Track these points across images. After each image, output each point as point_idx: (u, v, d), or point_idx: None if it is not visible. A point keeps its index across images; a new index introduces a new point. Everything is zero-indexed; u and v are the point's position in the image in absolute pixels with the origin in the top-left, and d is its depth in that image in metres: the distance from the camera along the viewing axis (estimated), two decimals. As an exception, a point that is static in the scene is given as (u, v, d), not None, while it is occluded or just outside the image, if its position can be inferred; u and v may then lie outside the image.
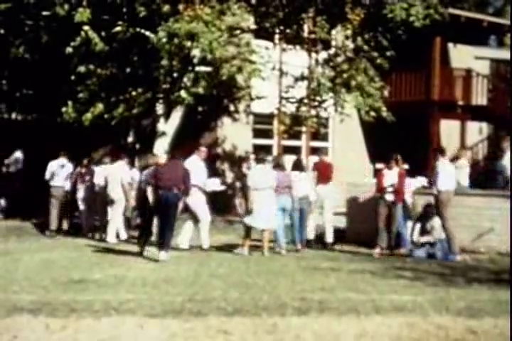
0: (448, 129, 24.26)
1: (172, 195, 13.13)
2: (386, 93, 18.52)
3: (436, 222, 14.09)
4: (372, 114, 17.66)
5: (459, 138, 24.52)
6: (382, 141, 23.10)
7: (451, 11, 22.31)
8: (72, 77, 16.62)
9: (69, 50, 15.87)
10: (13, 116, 20.51)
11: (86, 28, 15.74)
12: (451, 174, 14.42)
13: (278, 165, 14.78)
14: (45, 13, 16.64)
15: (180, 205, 13.71)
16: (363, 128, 23.87)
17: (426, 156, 22.61)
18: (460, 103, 24.03)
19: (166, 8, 15.88)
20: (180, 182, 13.32)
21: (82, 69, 16.25)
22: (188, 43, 15.22)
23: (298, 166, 15.47)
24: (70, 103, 16.47)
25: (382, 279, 11.05)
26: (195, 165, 14.51)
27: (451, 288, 10.22)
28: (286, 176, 14.66)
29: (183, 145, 17.83)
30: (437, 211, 14.16)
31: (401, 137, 22.32)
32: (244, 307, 8.69)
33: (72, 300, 9.03)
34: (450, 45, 25.18)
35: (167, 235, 13.06)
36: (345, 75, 17.71)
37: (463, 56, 25.40)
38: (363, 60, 17.62)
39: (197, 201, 14.49)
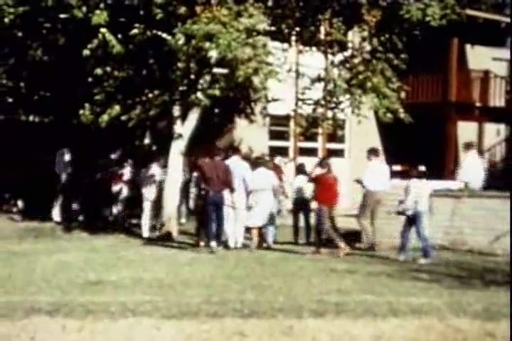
0: (465, 131, 24.16)
1: (221, 195, 14.76)
2: (403, 94, 18.44)
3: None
4: (389, 115, 17.59)
5: (477, 140, 24.40)
6: (399, 143, 23.05)
7: (469, 12, 22.22)
8: (89, 79, 16.66)
9: (86, 52, 15.92)
10: (31, 118, 20.58)
11: (103, 30, 15.78)
12: (382, 174, 15.11)
13: (258, 165, 15.77)
14: (62, 15, 16.71)
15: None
16: (380, 130, 23.81)
17: (443, 158, 22.58)
18: (477, 104, 23.93)
19: (183, 10, 15.90)
20: (228, 183, 14.91)
21: (99, 71, 16.29)
22: (206, 44, 15.24)
23: (301, 171, 16.61)
24: (86, 105, 16.51)
25: (398, 281, 11.01)
26: (239, 164, 15.60)
27: (469, 291, 10.17)
28: (267, 176, 15.50)
29: (199, 147, 17.86)
30: (360, 208, 15.26)
31: (418, 139, 22.26)
32: (260, 309, 8.69)
33: (88, 301, 9.05)
34: (467, 46, 25.08)
35: (220, 229, 14.82)
36: (360, 77, 17.65)
37: (480, 57, 25.29)
38: (379, 61, 17.56)
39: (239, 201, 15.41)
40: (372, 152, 16.25)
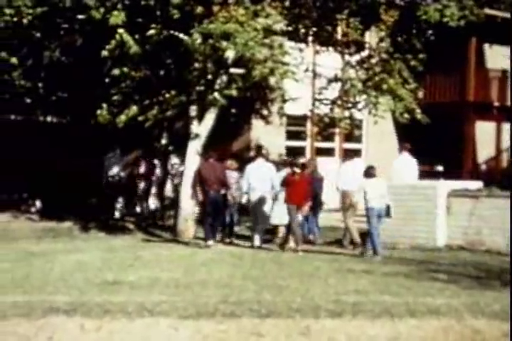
0: (483, 131, 24.05)
1: (219, 194, 15.94)
2: (420, 94, 18.38)
3: None
4: (406, 115, 17.55)
5: (495, 140, 24.31)
6: (417, 143, 22.95)
7: (487, 11, 22.10)
8: (107, 80, 16.73)
9: (104, 53, 15.98)
10: (48, 118, 20.68)
11: (121, 30, 15.83)
12: (354, 174, 15.37)
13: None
14: (80, 16, 16.78)
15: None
16: (397, 130, 23.73)
17: (461, 158, 22.49)
18: (495, 104, 23.81)
19: (200, 9, 15.92)
20: (225, 183, 16.00)
21: (116, 71, 16.33)
22: (223, 44, 15.25)
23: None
24: (104, 105, 16.57)
25: (416, 282, 10.97)
26: (265, 166, 16.36)
27: (487, 291, 10.11)
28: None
29: (216, 147, 17.87)
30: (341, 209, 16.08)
31: (436, 139, 22.19)
32: (277, 310, 8.68)
33: (106, 301, 9.08)
34: (485, 45, 24.95)
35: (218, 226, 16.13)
36: (377, 78, 17.61)
37: (499, 57, 25.15)
38: (397, 62, 17.51)
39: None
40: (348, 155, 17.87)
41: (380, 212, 14.00)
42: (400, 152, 17.36)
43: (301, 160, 16.57)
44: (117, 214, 19.85)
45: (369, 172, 14.34)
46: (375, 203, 13.93)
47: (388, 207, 14.05)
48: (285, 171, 15.84)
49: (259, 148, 19.17)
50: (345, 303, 9.08)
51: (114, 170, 20.35)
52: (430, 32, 17.32)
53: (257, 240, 15.76)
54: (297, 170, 15.17)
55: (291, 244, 15.02)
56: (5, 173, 19.66)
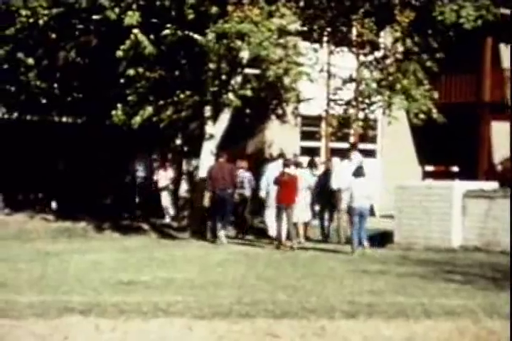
0: (499, 131, 23.91)
1: (227, 193, 16.61)
2: (436, 95, 18.30)
3: None
4: (422, 116, 17.48)
5: (510, 140, 24.15)
6: (432, 143, 22.88)
7: (503, 10, 21.97)
8: (122, 80, 16.77)
9: (119, 53, 16.01)
10: (64, 119, 20.75)
11: (135, 31, 15.86)
12: (347, 174, 15.58)
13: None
14: (95, 17, 16.84)
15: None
16: (412, 130, 23.63)
17: (477, 158, 22.36)
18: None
19: (214, 10, 15.93)
20: (232, 183, 16.72)
21: (131, 72, 16.37)
22: (238, 44, 15.26)
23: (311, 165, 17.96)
24: (119, 106, 16.60)
25: (431, 283, 10.93)
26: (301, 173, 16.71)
27: (502, 292, 10.05)
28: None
29: (230, 148, 17.90)
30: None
31: (451, 139, 22.09)
32: (292, 310, 8.66)
33: (121, 301, 9.09)
34: (501, 45, 24.80)
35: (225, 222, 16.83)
36: (391, 78, 17.57)
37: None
38: (412, 62, 17.45)
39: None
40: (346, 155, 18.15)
41: (363, 211, 14.51)
42: (349, 152, 17.95)
43: (298, 159, 17.74)
44: (138, 213, 20.05)
45: (358, 172, 14.85)
46: (357, 203, 14.47)
47: (371, 207, 14.85)
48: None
49: (281, 155, 19.22)
50: (360, 304, 9.05)
51: (138, 170, 20.57)
52: (448, 33, 17.22)
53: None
54: (287, 170, 15.77)
55: (282, 243, 15.42)
56: (21, 173, 19.76)
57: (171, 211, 19.65)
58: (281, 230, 15.52)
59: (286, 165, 15.97)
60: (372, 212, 14.78)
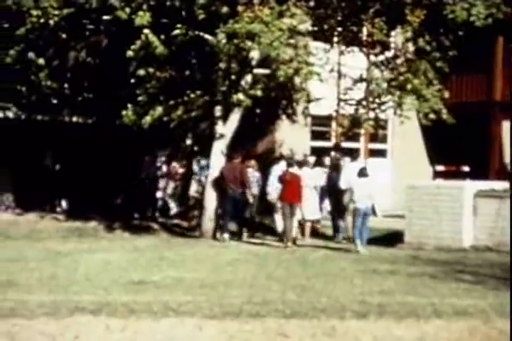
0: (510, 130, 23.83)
1: (239, 193, 17.04)
2: (446, 94, 18.24)
3: None
4: (432, 116, 17.43)
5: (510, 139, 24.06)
6: (443, 143, 22.82)
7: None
8: (132, 80, 16.79)
9: (130, 53, 16.03)
10: (74, 119, 20.78)
11: (146, 31, 15.88)
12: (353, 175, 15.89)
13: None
14: (106, 17, 16.86)
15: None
16: (423, 130, 23.58)
17: (488, 158, 22.29)
18: (523, 103, 23.58)
19: (225, 10, 15.93)
20: (244, 182, 17.07)
21: (141, 72, 16.38)
22: (248, 44, 15.25)
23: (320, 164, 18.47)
24: (129, 106, 16.62)
25: (442, 282, 10.90)
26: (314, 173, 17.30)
27: (514, 293, 10.02)
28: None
29: (241, 148, 17.90)
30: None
31: (462, 139, 22.02)
32: (302, 310, 8.66)
33: (131, 301, 9.11)
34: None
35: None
36: (401, 78, 17.53)
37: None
38: (423, 62, 17.40)
39: None
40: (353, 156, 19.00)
41: (366, 211, 14.96)
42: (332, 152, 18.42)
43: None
44: (154, 213, 20.14)
45: (361, 173, 15.28)
46: (361, 204, 14.90)
47: (373, 207, 15.29)
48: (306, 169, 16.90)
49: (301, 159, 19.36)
50: (370, 304, 9.04)
51: (149, 170, 20.66)
52: (459, 32, 17.17)
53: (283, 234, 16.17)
54: (290, 169, 16.11)
55: (288, 243, 15.60)
56: (31, 173, 19.81)
57: (175, 209, 19.86)
58: (288, 229, 15.74)
59: (289, 164, 16.40)
60: (373, 212, 15.20)
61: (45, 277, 11.07)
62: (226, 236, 16.74)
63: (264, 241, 16.74)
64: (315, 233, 17.35)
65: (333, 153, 19.80)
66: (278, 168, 17.23)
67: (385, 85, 17.80)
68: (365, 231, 15.08)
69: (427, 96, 17.20)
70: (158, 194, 20.28)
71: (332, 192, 17.37)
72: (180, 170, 20.35)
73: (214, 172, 17.17)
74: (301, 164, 17.22)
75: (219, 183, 17.00)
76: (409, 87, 17.32)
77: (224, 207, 17.10)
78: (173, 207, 20.05)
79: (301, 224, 16.83)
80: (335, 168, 17.96)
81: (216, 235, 17.00)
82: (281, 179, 16.10)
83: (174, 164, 20.49)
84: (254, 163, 17.89)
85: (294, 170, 16.29)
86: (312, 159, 19.31)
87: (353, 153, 19.59)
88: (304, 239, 16.66)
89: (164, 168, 20.63)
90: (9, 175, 20.02)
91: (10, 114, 19.96)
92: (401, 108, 17.64)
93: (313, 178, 17.01)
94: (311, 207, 16.77)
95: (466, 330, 7.81)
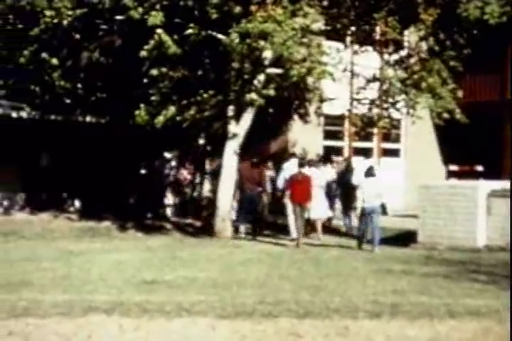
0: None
1: (256, 192, 17.69)
2: (460, 94, 18.18)
3: None
4: (446, 115, 17.38)
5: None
6: (457, 142, 22.76)
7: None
8: (145, 80, 16.82)
9: (143, 53, 16.05)
10: (87, 119, 20.84)
11: (159, 31, 15.89)
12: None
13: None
14: (119, 17, 16.90)
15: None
16: (436, 129, 23.53)
17: (501, 158, 22.20)
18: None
19: (238, 9, 15.92)
20: (260, 183, 17.75)
21: (154, 72, 16.40)
22: (261, 43, 15.24)
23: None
24: (142, 106, 16.65)
25: (455, 282, 10.87)
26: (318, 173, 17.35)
27: (527, 293, 9.97)
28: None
29: (253, 147, 17.91)
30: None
31: (476, 138, 21.96)
32: (315, 310, 8.65)
33: (144, 300, 9.12)
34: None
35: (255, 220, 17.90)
36: (416, 76, 17.47)
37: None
38: (436, 62, 17.35)
39: None
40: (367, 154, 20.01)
41: (374, 210, 15.12)
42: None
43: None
44: (168, 213, 20.24)
45: (369, 172, 15.50)
46: (368, 203, 15.09)
47: (383, 206, 15.56)
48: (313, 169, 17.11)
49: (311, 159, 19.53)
50: (383, 304, 9.02)
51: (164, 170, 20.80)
52: (472, 30, 17.11)
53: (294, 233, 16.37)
54: (302, 169, 16.28)
55: (299, 241, 15.79)
56: (44, 173, 19.88)
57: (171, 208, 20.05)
58: (300, 228, 15.95)
59: (301, 164, 16.58)
60: (384, 211, 15.66)
61: (58, 277, 11.10)
62: (242, 228, 17.37)
63: (277, 241, 16.73)
64: (329, 230, 17.53)
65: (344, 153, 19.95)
66: (289, 166, 17.33)
67: (398, 84, 17.75)
68: (377, 231, 15.12)
69: (441, 94, 17.16)
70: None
71: (344, 189, 17.56)
72: (188, 177, 20.49)
73: (226, 171, 17.17)
74: (310, 163, 17.48)
75: (236, 182, 17.37)
76: (423, 85, 17.28)
77: (240, 205, 17.58)
78: (170, 207, 20.29)
79: (310, 223, 16.98)
80: (347, 167, 18.15)
81: (231, 233, 17.07)
82: (292, 179, 16.21)
83: (183, 170, 20.55)
84: (271, 164, 18.35)
85: (305, 170, 16.40)
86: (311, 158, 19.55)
87: (367, 152, 19.83)
88: (317, 236, 16.90)
89: (173, 172, 20.80)
90: (22, 175, 20.10)
91: (24, 114, 20.03)
92: (414, 108, 17.60)
93: (319, 178, 17.17)
94: (319, 206, 16.93)
95: (479, 330, 7.78)
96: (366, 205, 15.16)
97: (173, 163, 20.97)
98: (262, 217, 18.16)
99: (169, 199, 20.48)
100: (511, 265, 11.85)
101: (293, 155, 18.99)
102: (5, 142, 19.22)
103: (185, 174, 20.51)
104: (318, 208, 16.89)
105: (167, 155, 20.94)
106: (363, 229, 15.25)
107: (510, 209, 14.32)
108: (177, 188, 20.59)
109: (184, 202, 20.61)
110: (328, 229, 18.21)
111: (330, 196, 18.32)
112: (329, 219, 18.23)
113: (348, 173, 18.09)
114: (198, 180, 20.46)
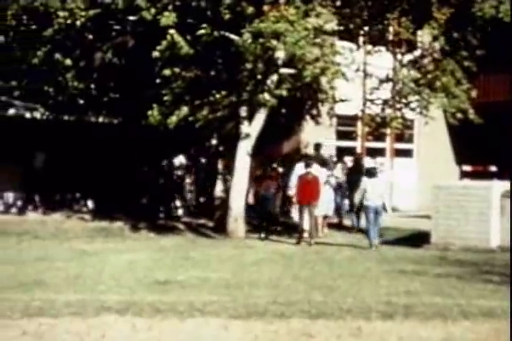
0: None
1: (270, 193, 17.84)
2: (474, 94, 18.12)
3: None
4: (459, 115, 17.32)
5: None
6: (470, 143, 22.68)
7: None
8: (158, 81, 16.83)
9: (155, 53, 16.08)
10: (100, 119, 20.89)
11: (172, 31, 15.91)
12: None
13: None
14: (131, 17, 16.93)
15: None
16: (449, 129, 23.45)
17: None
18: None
19: (250, 10, 15.92)
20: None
21: (167, 72, 16.42)
22: (274, 43, 15.23)
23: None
24: (155, 106, 16.66)
25: (468, 283, 10.83)
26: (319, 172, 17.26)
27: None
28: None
29: (266, 147, 17.91)
30: None
31: (489, 138, 21.87)
32: (327, 310, 8.64)
33: (157, 300, 9.13)
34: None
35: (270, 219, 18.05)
36: (429, 76, 17.42)
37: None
38: (450, 62, 17.29)
39: None
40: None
41: (377, 209, 15.51)
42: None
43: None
44: (180, 212, 20.34)
45: (371, 172, 15.88)
46: (372, 202, 15.46)
47: (384, 204, 15.88)
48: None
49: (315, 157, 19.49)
50: (396, 305, 9.00)
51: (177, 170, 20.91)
52: (486, 30, 17.05)
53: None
54: (310, 170, 16.37)
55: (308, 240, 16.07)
56: (58, 173, 19.94)
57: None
58: (307, 226, 16.20)
59: (307, 165, 16.62)
60: (384, 209, 15.98)
61: (71, 276, 11.14)
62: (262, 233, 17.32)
63: (289, 241, 16.72)
64: (340, 229, 17.71)
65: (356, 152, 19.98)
66: (300, 166, 17.40)
67: (412, 84, 17.70)
68: (376, 229, 15.61)
69: (456, 93, 17.11)
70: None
71: (352, 189, 17.62)
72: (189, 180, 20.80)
73: (240, 171, 17.16)
74: (321, 164, 17.61)
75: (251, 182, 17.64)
76: (437, 84, 17.22)
77: (254, 207, 17.84)
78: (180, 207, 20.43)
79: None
80: (356, 166, 18.28)
81: (243, 233, 17.11)
82: (301, 179, 16.37)
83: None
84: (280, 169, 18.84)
85: (313, 169, 16.50)
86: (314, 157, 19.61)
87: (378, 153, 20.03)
88: (322, 231, 17.29)
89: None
90: (35, 176, 20.17)
91: (37, 115, 20.10)
92: (427, 108, 17.55)
93: (323, 177, 17.26)
94: (324, 203, 17.12)
95: (492, 331, 7.75)
96: (369, 204, 15.47)
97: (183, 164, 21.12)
98: (276, 217, 18.22)
99: (181, 200, 20.57)
100: (511, 265, 11.79)
101: (304, 156, 19.04)
102: (18, 143, 19.30)
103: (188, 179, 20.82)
104: (320, 205, 16.95)
105: (176, 161, 21.15)
106: (373, 227, 15.47)
107: (510, 209, 14.24)
108: (185, 190, 20.72)
109: (198, 203, 20.68)
110: (339, 227, 18.31)
111: (342, 196, 18.43)
112: (340, 217, 18.52)
113: (358, 173, 18.00)
114: (209, 180, 20.45)
